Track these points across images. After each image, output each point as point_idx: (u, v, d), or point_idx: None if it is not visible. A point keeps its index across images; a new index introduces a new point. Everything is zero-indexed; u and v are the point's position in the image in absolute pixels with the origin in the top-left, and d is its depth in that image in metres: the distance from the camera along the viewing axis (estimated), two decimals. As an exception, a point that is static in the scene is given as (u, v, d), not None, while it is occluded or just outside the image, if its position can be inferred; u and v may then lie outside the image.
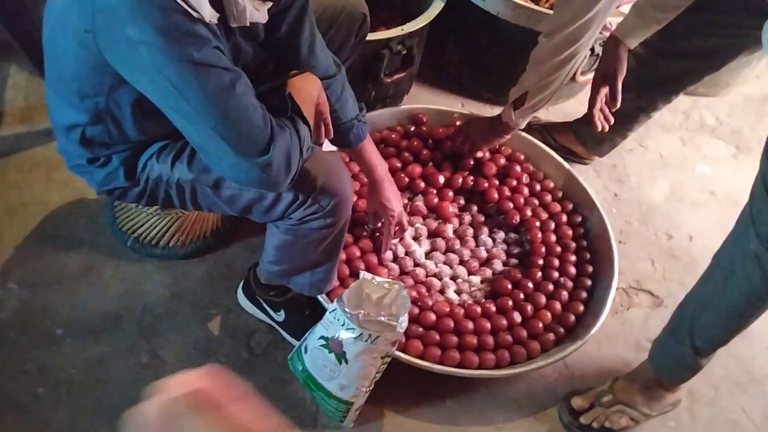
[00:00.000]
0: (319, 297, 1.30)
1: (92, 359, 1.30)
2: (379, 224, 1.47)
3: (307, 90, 1.09)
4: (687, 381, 1.33)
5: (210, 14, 0.86)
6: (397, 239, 1.53)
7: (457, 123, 1.72)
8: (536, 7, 1.74)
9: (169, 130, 0.97)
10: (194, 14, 0.83)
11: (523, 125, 1.56)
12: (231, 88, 0.89)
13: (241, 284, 1.40)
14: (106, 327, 1.35)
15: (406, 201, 1.61)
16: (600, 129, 1.54)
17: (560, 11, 1.32)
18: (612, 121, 1.54)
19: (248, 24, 0.96)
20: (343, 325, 1.14)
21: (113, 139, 1.07)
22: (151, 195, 1.14)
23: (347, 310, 1.13)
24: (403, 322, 1.14)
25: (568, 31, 1.30)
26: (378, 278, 1.19)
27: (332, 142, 1.34)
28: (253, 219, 1.15)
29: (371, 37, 1.60)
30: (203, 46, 0.86)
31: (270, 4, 1.00)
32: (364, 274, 1.20)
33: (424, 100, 1.96)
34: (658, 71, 1.60)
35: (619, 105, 1.51)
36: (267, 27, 1.07)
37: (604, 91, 1.50)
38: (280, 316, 1.36)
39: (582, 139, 1.84)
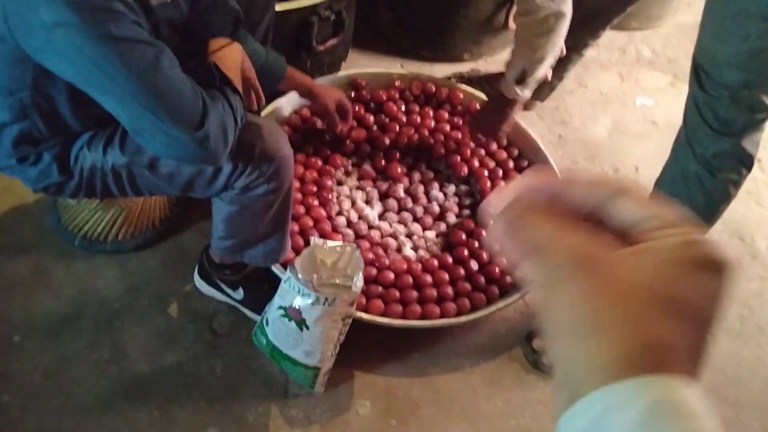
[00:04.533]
0: (274, 268, 1.30)
1: (53, 361, 1.28)
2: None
3: (231, 58, 1.08)
4: None
5: None
6: (350, 205, 1.54)
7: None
8: (460, -42, 1.74)
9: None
10: None
11: (530, 95, 1.50)
12: (156, 62, 0.88)
13: (197, 268, 1.39)
14: (63, 328, 1.33)
15: (351, 167, 1.61)
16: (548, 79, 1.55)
17: None
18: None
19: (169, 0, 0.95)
20: (298, 291, 1.15)
21: (41, 135, 1.05)
22: (88, 186, 1.12)
23: (300, 276, 1.13)
24: (358, 282, 1.15)
25: (545, 6, 1.26)
26: (330, 242, 1.19)
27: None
28: (197, 195, 1.15)
29: (297, 5, 1.58)
30: (121, 21, 0.84)
31: None
32: (315, 240, 1.20)
33: (362, 65, 1.95)
34: (580, 8, 1.61)
35: (564, 51, 1.52)
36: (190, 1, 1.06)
37: None
38: (239, 294, 1.35)
39: None
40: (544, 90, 1.86)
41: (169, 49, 0.92)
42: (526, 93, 1.47)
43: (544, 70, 1.40)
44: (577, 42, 1.68)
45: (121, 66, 0.84)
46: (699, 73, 1.09)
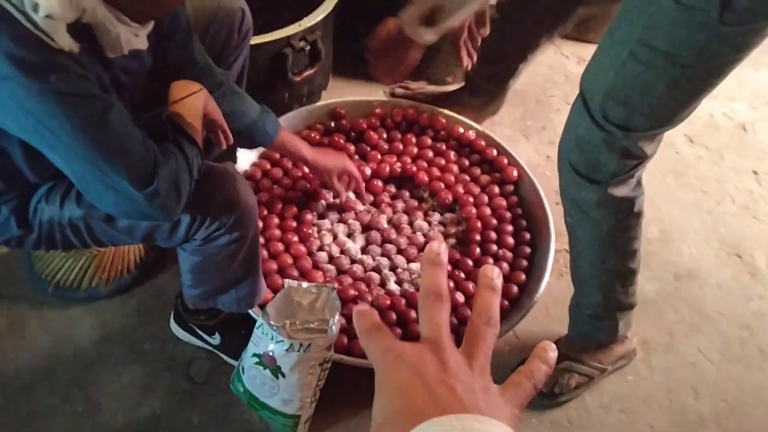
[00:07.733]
0: (251, 312, 1.26)
1: (25, 417, 1.24)
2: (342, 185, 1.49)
3: (190, 105, 1.04)
4: (619, 333, 1.32)
5: (68, 44, 0.80)
6: (332, 239, 1.50)
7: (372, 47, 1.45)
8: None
9: None
10: (51, 44, 0.78)
11: (433, 39, 1.33)
12: (103, 118, 0.84)
13: (172, 313, 1.35)
14: (37, 381, 1.29)
15: (332, 200, 1.57)
16: (465, 64, 1.50)
17: None
18: (475, 56, 1.51)
19: (126, 53, 0.91)
20: (272, 339, 1.10)
21: None
22: (48, 239, 1.08)
23: (272, 322, 1.09)
24: (334, 326, 1.10)
25: None
26: (304, 284, 1.15)
27: (248, 145, 1.30)
28: (160, 245, 1.11)
29: (270, 37, 1.55)
30: (66, 75, 0.80)
31: (149, 28, 0.95)
32: (289, 282, 1.15)
33: (344, 92, 1.92)
34: (525, 12, 1.57)
35: (488, 31, 1.48)
36: (155, 55, 1.03)
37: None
38: (216, 339, 1.31)
39: (467, 105, 1.79)
40: (496, 101, 1.79)
41: (120, 104, 0.88)
42: (428, 36, 1.33)
43: (459, 19, 1.29)
44: (522, 49, 1.63)
45: (64, 121, 0.81)
46: (584, 102, 1.07)
